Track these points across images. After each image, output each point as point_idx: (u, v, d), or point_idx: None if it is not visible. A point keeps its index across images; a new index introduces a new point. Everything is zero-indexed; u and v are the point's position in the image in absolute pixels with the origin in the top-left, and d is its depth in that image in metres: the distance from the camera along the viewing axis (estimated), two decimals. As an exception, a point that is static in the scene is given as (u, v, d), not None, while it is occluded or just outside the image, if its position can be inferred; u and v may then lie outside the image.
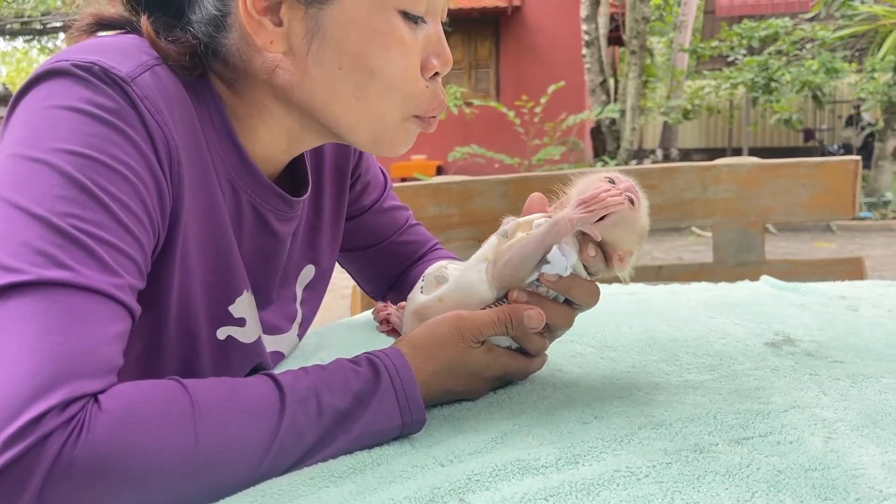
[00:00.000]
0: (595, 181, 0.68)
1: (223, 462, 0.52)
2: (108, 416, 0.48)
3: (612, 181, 0.67)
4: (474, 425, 0.63)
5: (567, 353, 0.83)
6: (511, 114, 7.67)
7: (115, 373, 0.52)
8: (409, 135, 0.70)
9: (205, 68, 0.66)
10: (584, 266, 0.67)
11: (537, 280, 0.66)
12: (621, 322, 0.96)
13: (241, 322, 0.72)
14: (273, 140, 0.71)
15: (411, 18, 0.65)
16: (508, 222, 0.71)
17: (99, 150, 0.55)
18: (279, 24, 0.63)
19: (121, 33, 0.68)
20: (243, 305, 0.72)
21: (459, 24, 9.93)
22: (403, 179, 8.74)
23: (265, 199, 0.72)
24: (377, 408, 0.59)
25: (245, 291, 0.72)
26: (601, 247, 0.67)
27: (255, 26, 0.63)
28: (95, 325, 0.51)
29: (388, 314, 0.80)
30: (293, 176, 0.79)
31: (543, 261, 0.66)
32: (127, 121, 0.57)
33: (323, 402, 0.57)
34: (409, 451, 0.58)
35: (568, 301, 0.69)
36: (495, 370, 0.68)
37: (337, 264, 1.00)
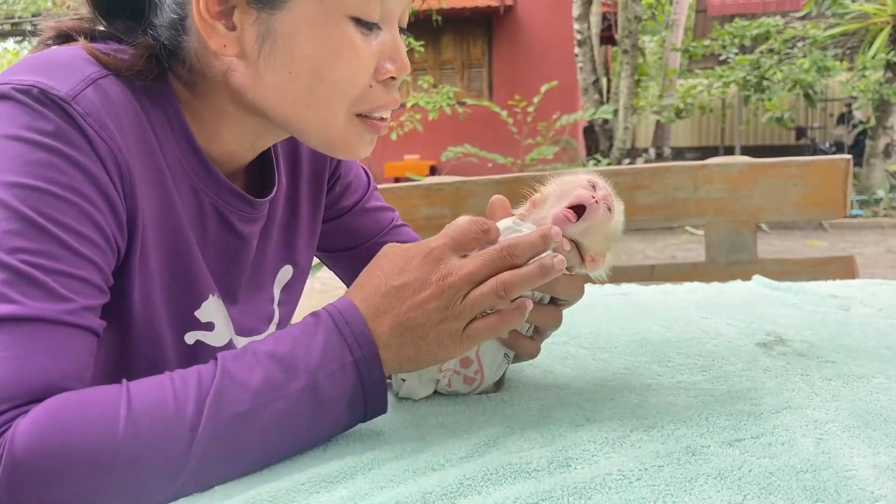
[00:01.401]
0: (576, 185, 0.68)
1: (153, 421, 0.53)
2: (29, 422, 0.51)
3: (593, 186, 0.68)
4: (466, 429, 0.63)
5: (559, 354, 0.83)
6: (504, 113, 7.67)
7: (64, 391, 0.54)
8: (360, 138, 0.69)
9: (163, 69, 0.66)
10: None
11: None
12: (613, 323, 0.96)
13: (209, 326, 0.72)
14: (235, 140, 0.72)
15: (365, 25, 0.65)
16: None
17: (43, 179, 0.56)
18: (232, 28, 0.64)
19: (78, 44, 0.68)
20: (210, 309, 0.72)
21: (452, 24, 9.92)
22: (397, 179, 8.73)
23: (227, 201, 0.72)
24: (321, 347, 0.58)
25: (211, 296, 0.72)
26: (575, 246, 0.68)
27: (208, 30, 0.63)
28: (42, 353, 0.53)
29: None
30: (261, 176, 0.80)
31: None
32: (70, 142, 0.58)
33: (258, 351, 0.58)
34: (401, 456, 0.58)
35: (553, 300, 0.69)
36: (459, 272, 0.60)
37: (327, 268, 1.00)
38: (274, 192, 0.78)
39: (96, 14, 0.68)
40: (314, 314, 0.61)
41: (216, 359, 0.57)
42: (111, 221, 0.60)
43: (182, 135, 0.68)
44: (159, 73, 0.66)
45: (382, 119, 0.70)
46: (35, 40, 0.71)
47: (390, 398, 0.69)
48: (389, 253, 0.64)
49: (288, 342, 0.58)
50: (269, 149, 0.78)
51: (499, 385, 0.72)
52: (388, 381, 0.67)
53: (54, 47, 0.68)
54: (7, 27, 11.57)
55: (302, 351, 0.58)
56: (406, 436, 0.62)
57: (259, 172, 0.79)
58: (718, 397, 0.68)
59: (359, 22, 0.64)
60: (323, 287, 4.78)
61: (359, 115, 0.68)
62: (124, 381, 0.55)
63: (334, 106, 0.66)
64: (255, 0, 0.63)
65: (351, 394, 0.59)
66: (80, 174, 0.58)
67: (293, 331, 0.60)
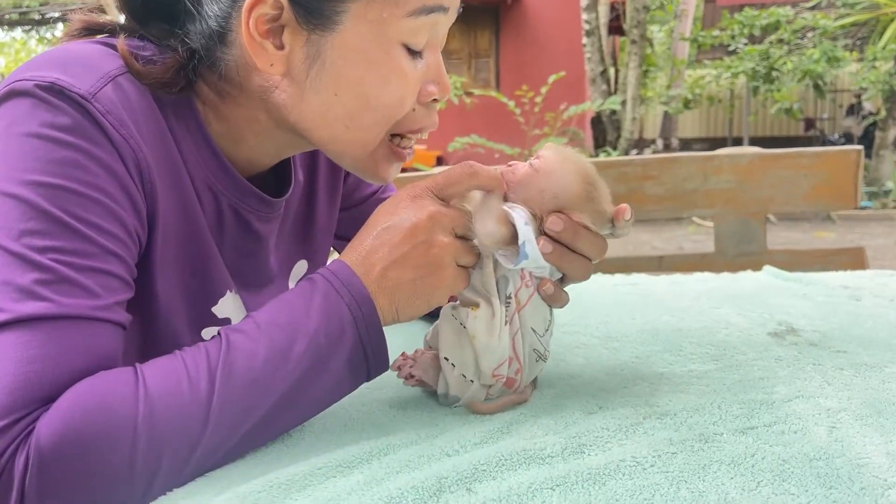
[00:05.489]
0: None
1: (169, 399, 0.54)
2: (51, 414, 0.51)
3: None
4: (480, 416, 0.63)
5: (571, 343, 0.84)
6: (511, 104, 7.64)
7: None
8: (386, 166, 0.71)
9: (189, 81, 0.66)
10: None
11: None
12: (624, 313, 0.96)
13: (225, 322, 0.73)
14: (261, 148, 0.72)
15: (412, 51, 0.66)
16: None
17: (67, 177, 0.57)
18: (280, 47, 0.64)
19: (98, 39, 0.68)
20: (228, 306, 0.73)
21: (459, 14, 9.89)
22: (404, 170, 8.72)
23: (245, 202, 0.72)
24: (320, 310, 0.59)
25: (229, 292, 0.73)
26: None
27: (256, 48, 0.63)
28: (74, 350, 0.54)
29: (410, 369, 0.70)
30: (277, 173, 0.80)
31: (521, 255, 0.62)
32: (91, 139, 0.58)
33: (260, 321, 0.59)
34: (416, 442, 0.58)
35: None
36: (436, 216, 0.62)
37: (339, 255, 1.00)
38: (290, 191, 0.78)
39: (132, 19, 0.68)
40: (309, 279, 0.62)
41: (219, 334, 0.58)
42: (133, 216, 0.61)
43: (200, 136, 0.68)
44: (185, 85, 0.66)
45: (408, 147, 0.71)
46: (62, 33, 0.71)
47: (400, 388, 0.69)
48: (381, 205, 0.65)
49: (286, 309, 0.59)
50: None
51: (533, 384, 0.70)
52: (442, 392, 0.67)
53: (73, 42, 0.67)
54: (15, 16, 11.57)
55: (301, 315, 0.59)
56: (420, 422, 0.63)
57: (275, 169, 0.80)
58: (731, 386, 0.68)
59: (407, 48, 0.65)
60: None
61: (392, 137, 0.69)
62: (135, 364, 0.56)
63: (376, 129, 0.67)
64: (306, 21, 0.63)
65: (352, 353, 0.60)
66: (102, 171, 0.58)
67: (291, 297, 0.61)
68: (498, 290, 0.65)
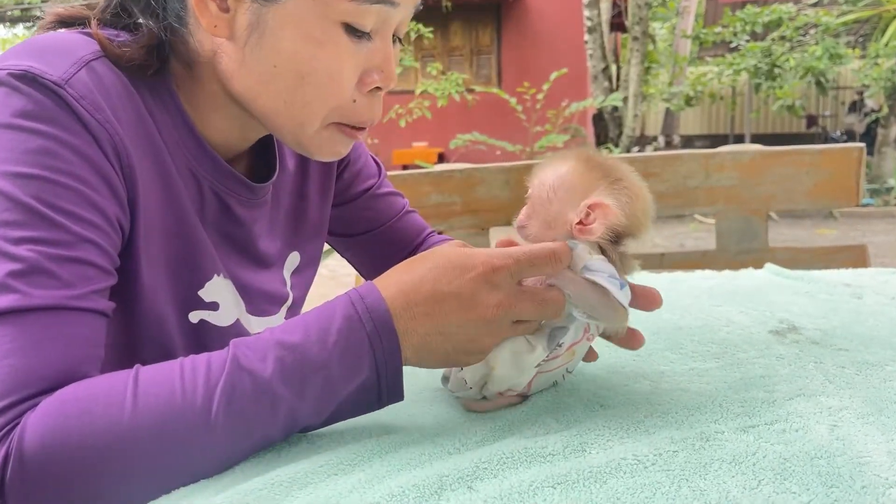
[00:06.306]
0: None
1: (159, 412, 0.52)
2: (37, 418, 0.51)
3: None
4: (481, 414, 0.63)
5: (572, 341, 0.84)
6: (513, 100, 7.64)
7: (78, 376, 0.55)
8: (333, 143, 0.69)
9: (164, 61, 0.66)
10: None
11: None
12: (626, 310, 0.96)
13: (213, 306, 0.72)
14: (226, 127, 0.72)
15: (356, 33, 0.64)
16: None
17: (41, 167, 0.57)
18: (226, 10, 0.64)
19: (76, 30, 0.68)
20: (215, 289, 0.72)
21: (461, 11, 9.87)
22: (405, 167, 8.72)
23: (226, 185, 0.72)
24: (337, 335, 0.56)
25: (216, 276, 0.72)
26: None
27: (201, 7, 0.64)
28: (51, 340, 0.54)
29: None
30: (266, 162, 0.80)
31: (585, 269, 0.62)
32: (65, 127, 0.58)
33: (272, 340, 0.56)
34: (418, 441, 0.58)
35: None
36: (513, 305, 0.59)
37: (338, 254, 1.00)
38: (275, 178, 0.78)
39: None
40: (336, 298, 0.60)
41: (228, 346, 0.57)
42: (112, 202, 0.60)
43: (179, 117, 0.68)
44: (159, 67, 0.66)
45: (363, 128, 0.69)
46: (37, 26, 0.71)
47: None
48: (449, 254, 0.60)
49: (301, 330, 0.57)
50: (271, 135, 0.78)
51: None
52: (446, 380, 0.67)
53: (51, 31, 0.68)
54: (17, 13, 11.57)
55: (316, 338, 0.56)
56: (422, 420, 0.63)
57: (265, 159, 0.80)
58: (732, 384, 0.68)
59: (350, 29, 0.64)
60: (330, 274, 4.79)
61: (336, 124, 0.68)
62: (137, 367, 0.55)
63: (312, 109, 0.66)
64: None
65: (367, 383, 0.58)
66: (78, 158, 0.58)
67: (309, 317, 0.58)
68: (551, 335, 0.64)
